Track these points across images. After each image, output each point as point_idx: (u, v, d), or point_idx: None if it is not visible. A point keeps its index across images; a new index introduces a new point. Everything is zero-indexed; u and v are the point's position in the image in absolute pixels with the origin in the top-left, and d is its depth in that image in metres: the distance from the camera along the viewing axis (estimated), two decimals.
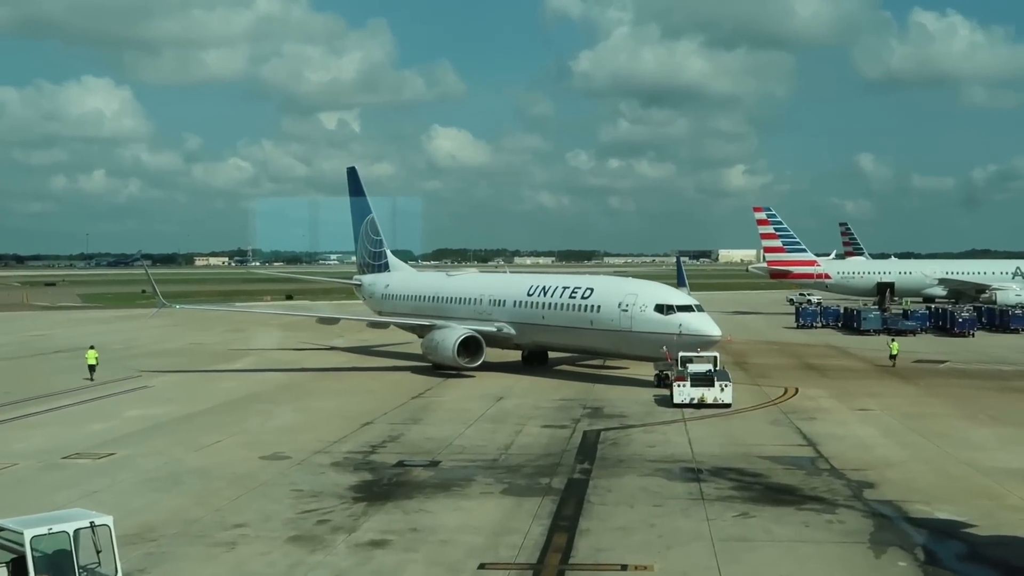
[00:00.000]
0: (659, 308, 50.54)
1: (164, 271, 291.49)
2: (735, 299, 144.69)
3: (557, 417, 42.83)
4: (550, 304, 57.07)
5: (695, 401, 44.84)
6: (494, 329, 59.25)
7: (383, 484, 30.50)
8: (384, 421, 42.10)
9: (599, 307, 53.39)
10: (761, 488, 29.80)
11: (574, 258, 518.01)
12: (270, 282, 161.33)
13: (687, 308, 50.54)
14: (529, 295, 58.86)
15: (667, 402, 45.49)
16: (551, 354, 62.67)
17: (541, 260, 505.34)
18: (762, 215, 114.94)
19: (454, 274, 73.31)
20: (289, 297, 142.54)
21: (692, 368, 46.19)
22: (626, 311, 51.49)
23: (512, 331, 59.17)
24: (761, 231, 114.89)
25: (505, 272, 78.89)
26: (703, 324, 49.86)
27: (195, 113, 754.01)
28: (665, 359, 49.33)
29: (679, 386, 45.10)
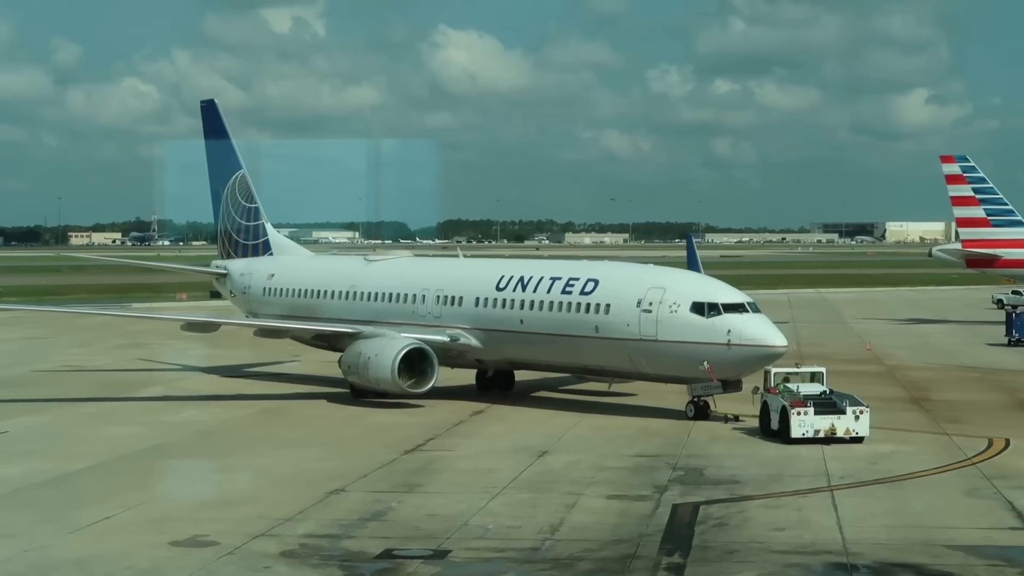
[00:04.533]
0: (697, 308, 53.78)
1: (20, 254, 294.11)
2: (911, 299, 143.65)
3: (631, 483, 43.07)
4: (532, 303, 60.14)
5: (820, 435, 48.59)
6: (445, 338, 62.18)
7: None
8: (363, 487, 42.38)
9: (608, 306, 56.60)
10: None
11: (659, 235, 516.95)
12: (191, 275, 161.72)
13: (737, 307, 53.97)
14: (499, 290, 62.02)
15: (751, 432, 46.77)
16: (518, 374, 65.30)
17: (607, 238, 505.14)
18: (955, 169, 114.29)
19: (376, 259, 76.29)
20: (216, 295, 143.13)
21: (797, 388, 49.86)
22: (649, 312, 54.63)
23: (473, 341, 62.19)
24: (953, 194, 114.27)
25: (458, 257, 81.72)
26: (762, 330, 53.44)
27: (72, 8, 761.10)
28: (709, 379, 52.87)
29: (798, 414, 48.40)
